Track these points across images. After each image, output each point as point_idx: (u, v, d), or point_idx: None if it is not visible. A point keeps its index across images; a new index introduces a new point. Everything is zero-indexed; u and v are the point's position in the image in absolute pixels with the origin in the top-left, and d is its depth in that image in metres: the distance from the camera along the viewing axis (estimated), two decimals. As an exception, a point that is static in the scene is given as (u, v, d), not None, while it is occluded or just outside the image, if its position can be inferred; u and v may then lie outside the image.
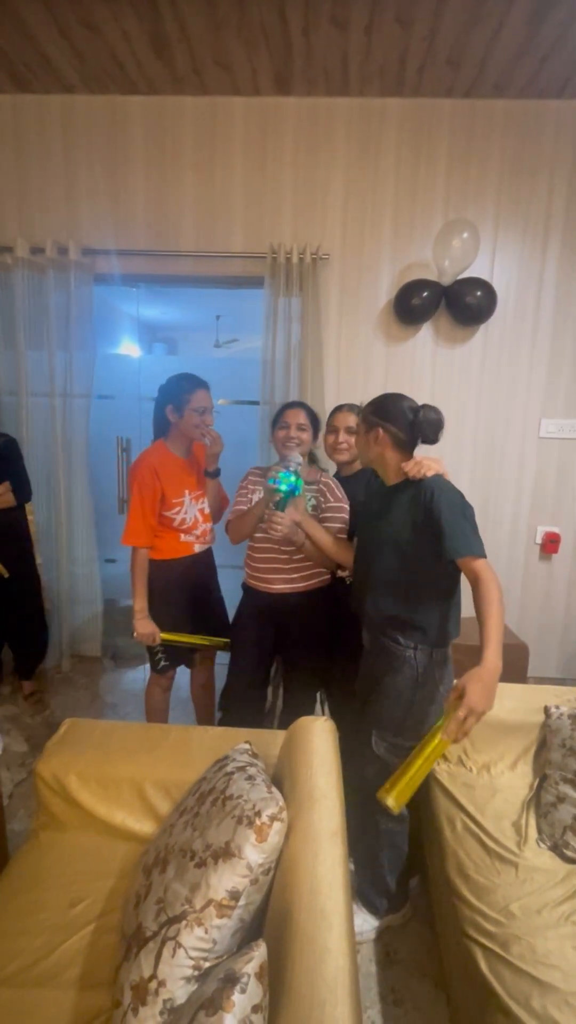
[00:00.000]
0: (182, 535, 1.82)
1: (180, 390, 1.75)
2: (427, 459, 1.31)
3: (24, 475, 2.36)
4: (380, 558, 1.34)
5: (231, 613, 1.87)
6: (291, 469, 1.51)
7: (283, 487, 1.49)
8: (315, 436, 1.75)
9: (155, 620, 1.82)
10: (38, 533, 2.60)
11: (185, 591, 1.86)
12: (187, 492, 1.81)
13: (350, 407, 1.78)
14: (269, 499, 1.52)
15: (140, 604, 1.78)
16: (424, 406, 1.32)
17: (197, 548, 1.87)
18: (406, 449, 1.36)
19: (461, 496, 1.25)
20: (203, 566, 1.93)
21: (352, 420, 1.74)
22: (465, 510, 1.22)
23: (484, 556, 1.16)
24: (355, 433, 1.35)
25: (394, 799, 1.03)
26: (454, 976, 1.18)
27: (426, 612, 1.29)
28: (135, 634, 1.78)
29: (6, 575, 2.29)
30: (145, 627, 1.78)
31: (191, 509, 1.82)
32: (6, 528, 2.32)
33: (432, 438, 1.32)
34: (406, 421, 1.32)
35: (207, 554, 1.94)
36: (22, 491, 2.33)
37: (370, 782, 1.33)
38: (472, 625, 2.43)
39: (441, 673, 1.33)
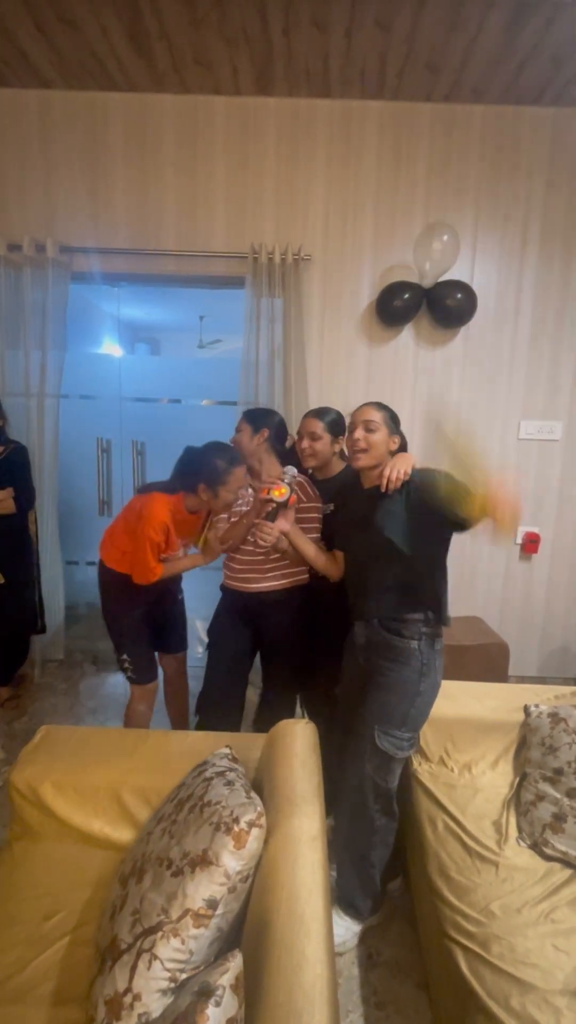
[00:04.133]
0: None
1: (218, 470, 1.62)
2: (398, 462, 1.35)
3: (29, 483, 2.37)
4: (379, 560, 1.35)
5: (210, 615, 1.84)
6: (286, 481, 1.51)
7: (277, 498, 1.48)
8: (255, 433, 1.69)
9: (114, 625, 1.81)
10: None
11: (142, 597, 1.81)
12: (182, 540, 1.80)
13: (316, 413, 1.75)
14: (261, 509, 1.52)
15: (206, 542, 1.76)
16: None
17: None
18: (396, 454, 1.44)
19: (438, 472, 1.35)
20: (168, 579, 1.86)
21: (318, 427, 1.70)
22: (448, 476, 1.29)
23: None
24: (374, 431, 1.38)
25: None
26: (436, 977, 1.18)
27: (429, 602, 1.34)
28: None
29: (1, 581, 2.28)
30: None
31: (181, 552, 1.82)
32: (7, 534, 2.31)
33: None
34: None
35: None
36: (25, 499, 2.33)
37: (369, 778, 1.34)
38: (464, 625, 2.48)
39: (440, 662, 1.38)
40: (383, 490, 1.33)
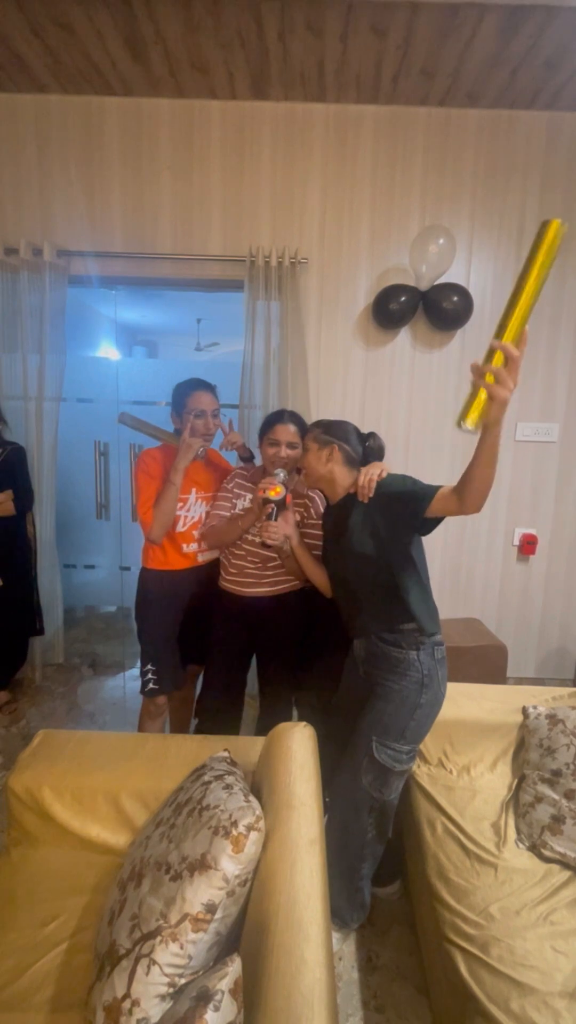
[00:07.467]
0: (184, 545, 1.75)
1: (179, 394, 1.73)
2: (370, 469, 1.36)
3: (28, 485, 2.38)
4: (354, 572, 1.36)
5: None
6: (279, 480, 1.53)
7: (273, 498, 1.50)
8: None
9: (143, 633, 1.77)
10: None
11: (181, 605, 1.78)
12: (193, 490, 1.75)
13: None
14: (260, 511, 1.53)
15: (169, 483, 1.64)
16: (371, 434, 1.48)
17: (201, 558, 1.79)
18: (354, 466, 1.42)
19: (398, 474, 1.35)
20: (206, 580, 1.81)
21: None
22: (405, 477, 1.32)
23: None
24: (300, 451, 1.38)
25: (472, 421, 1.06)
26: (435, 980, 1.18)
27: (413, 605, 1.31)
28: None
29: (0, 583, 2.28)
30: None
31: (196, 508, 1.76)
32: (5, 537, 2.31)
33: (379, 460, 1.46)
34: (355, 440, 1.43)
35: (213, 565, 1.84)
36: (24, 501, 2.33)
37: (364, 791, 1.31)
38: (462, 627, 2.48)
39: (443, 673, 1.36)
40: (360, 499, 1.33)
